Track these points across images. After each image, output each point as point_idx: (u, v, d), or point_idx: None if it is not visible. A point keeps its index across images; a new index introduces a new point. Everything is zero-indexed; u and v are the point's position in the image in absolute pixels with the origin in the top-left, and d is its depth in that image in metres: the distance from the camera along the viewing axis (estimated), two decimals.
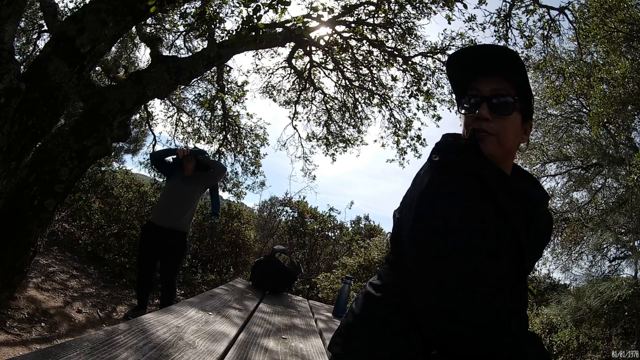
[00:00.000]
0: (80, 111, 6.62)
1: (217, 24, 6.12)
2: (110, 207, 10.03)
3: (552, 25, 8.29)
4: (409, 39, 8.87)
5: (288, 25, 7.72)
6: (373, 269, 10.70)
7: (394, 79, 9.45)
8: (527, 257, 1.44)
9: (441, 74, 9.27)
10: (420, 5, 8.32)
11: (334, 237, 13.57)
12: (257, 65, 11.78)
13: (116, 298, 7.05)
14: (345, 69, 10.22)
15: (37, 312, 5.27)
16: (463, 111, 1.52)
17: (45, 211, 4.65)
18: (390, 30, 8.93)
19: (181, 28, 9.07)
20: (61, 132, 4.89)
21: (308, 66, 10.66)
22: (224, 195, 14.11)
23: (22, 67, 5.16)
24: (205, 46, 7.24)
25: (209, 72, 12.05)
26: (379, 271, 1.63)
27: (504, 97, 1.44)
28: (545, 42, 8.64)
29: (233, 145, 12.66)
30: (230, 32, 5.73)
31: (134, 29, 11.38)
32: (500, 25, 8.36)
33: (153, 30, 10.43)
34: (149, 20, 10.07)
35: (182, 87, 11.76)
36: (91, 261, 8.40)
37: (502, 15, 8.28)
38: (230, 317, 2.47)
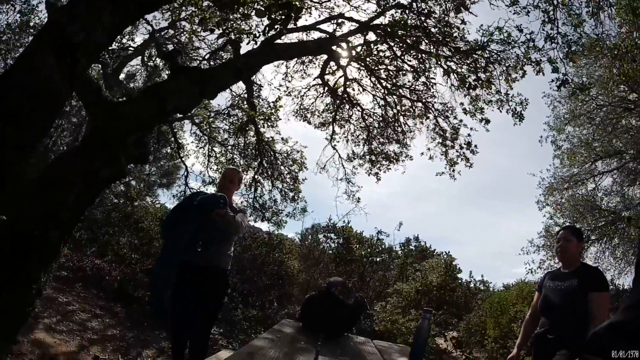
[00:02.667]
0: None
1: (237, 8, 5.25)
2: (141, 242, 9.40)
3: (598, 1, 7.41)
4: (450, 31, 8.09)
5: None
6: (432, 293, 9.78)
7: (447, 72, 8.56)
8: None
9: (485, 72, 8.46)
10: None
11: (382, 262, 12.72)
12: (287, 87, 11.13)
13: (143, 341, 6.28)
14: (382, 80, 9.51)
15: (43, 359, 4.50)
16: None
17: (48, 243, 3.91)
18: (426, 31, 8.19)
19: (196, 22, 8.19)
20: (68, 152, 4.21)
21: (342, 81, 9.97)
22: (263, 225, 13.53)
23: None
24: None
25: (238, 97, 11.61)
26: None
27: None
28: (595, 19, 7.69)
29: (269, 172, 12.02)
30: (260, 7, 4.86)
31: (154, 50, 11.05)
32: (547, 3, 7.44)
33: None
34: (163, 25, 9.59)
35: (209, 104, 11.27)
36: (119, 299, 7.70)
37: None
38: None
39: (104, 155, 4.17)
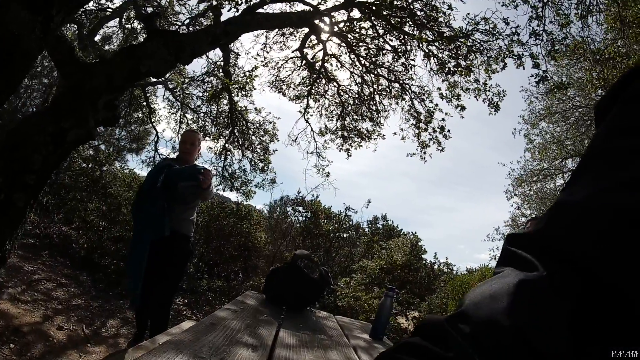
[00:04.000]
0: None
1: None
2: (109, 208, 9.21)
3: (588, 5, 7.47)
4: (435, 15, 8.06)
5: None
6: (396, 272, 9.91)
7: (428, 55, 8.53)
8: None
9: (465, 60, 8.47)
10: None
11: (349, 238, 12.83)
12: (265, 57, 10.96)
13: (108, 310, 6.19)
14: (361, 57, 9.45)
15: (7, 331, 4.38)
16: None
17: (14, 207, 3.79)
18: (411, 13, 8.14)
19: None
20: (37, 113, 4.06)
21: (321, 55, 9.89)
22: (232, 195, 13.42)
23: None
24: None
25: (214, 66, 11.42)
26: None
27: None
28: (582, 22, 7.75)
29: (240, 142, 11.89)
30: None
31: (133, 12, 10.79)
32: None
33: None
34: None
35: (184, 69, 11.06)
36: (85, 267, 7.57)
37: None
38: None
39: (73, 116, 4.04)
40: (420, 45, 8.32)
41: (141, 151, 17.33)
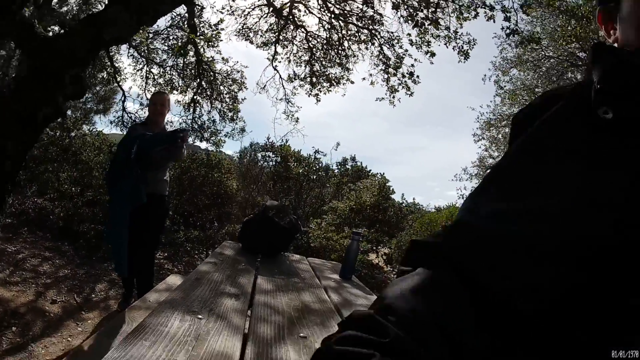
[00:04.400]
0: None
1: None
2: (81, 174, 9.23)
3: None
4: None
5: None
6: (365, 212, 10.29)
7: (397, 5, 8.57)
8: None
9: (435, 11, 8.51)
10: None
11: (319, 180, 13.14)
12: (231, 6, 10.80)
13: (94, 276, 6.39)
14: (329, 3, 9.42)
15: (6, 316, 4.52)
16: None
17: None
18: None
19: None
20: (2, 97, 4.06)
21: (288, 3, 9.81)
22: (202, 144, 13.47)
23: None
24: None
25: (178, 16, 11.20)
26: None
27: None
28: None
29: (209, 93, 11.86)
30: None
31: None
32: None
33: None
34: None
35: (147, 28, 10.87)
36: (64, 237, 7.65)
37: None
38: (227, 314, 1.86)
39: (41, 96, 4.09)
40: None
41: (108, 111, 17.08)
